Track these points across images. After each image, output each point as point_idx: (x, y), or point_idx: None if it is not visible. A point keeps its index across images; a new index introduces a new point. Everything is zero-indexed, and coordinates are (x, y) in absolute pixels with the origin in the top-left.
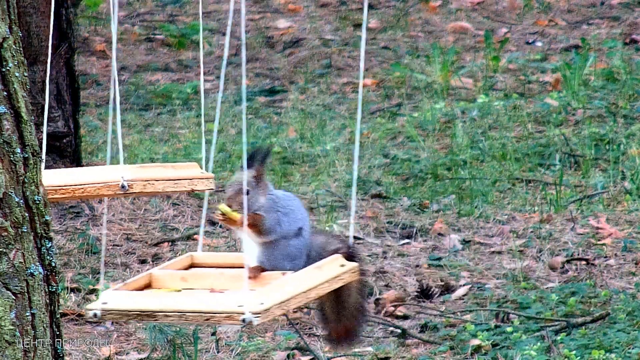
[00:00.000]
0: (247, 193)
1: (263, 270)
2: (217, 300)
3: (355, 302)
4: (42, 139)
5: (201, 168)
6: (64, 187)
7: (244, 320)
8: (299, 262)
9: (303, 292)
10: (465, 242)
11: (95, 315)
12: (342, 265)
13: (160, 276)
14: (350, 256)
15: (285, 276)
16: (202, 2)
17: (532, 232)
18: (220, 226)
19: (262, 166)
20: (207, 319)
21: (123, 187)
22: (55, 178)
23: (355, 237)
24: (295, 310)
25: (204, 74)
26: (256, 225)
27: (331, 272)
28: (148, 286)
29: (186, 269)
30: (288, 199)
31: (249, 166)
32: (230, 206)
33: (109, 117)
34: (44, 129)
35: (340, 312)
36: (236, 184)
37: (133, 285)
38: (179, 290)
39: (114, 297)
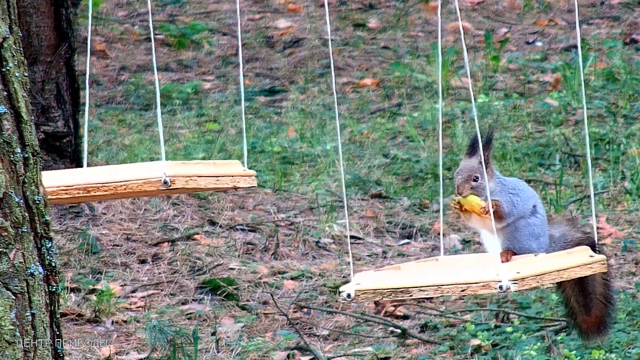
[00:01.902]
0: (477, 180)
1: (514, 253)
2: (473, 270)
3: (602, 291)
4: (42, 138)
5: (243, 165)
6: (106, 185)
7: (501, 287)
8: (543, 239)
9: (557, 270)
10: (465, 242)
11: (348, 295)
12: (592, 256)
13: (410, 266)
14: (593, 248)
15: (538, 256)
16: (202, 2)
17: None
18: (221, 226)
19: (488, 150)
20: (463, 290)
21: (165, 182)
22: (97, 176)
23: (354, 237)
24: (547, 285)
25: (204, 74)
26: (496, 212)
27: (582, 259)
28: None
29: None
30: (513, 181)
31: (473, 152)
32: (460, 194)
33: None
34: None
35: (588, 304)
36: (465, 171)
37: (384, 270)
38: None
39: (367, 277)
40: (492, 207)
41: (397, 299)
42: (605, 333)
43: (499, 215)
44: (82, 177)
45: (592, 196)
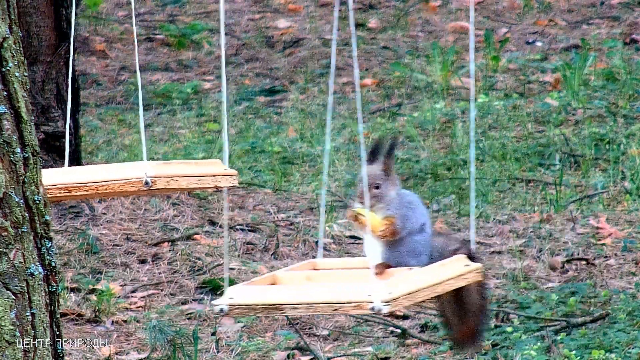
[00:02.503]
0: (378, 187)
1: (389, 266)
2: (345, 290)
3: (477, 303)
4: (42, 138)
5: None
6: (88, 184)
7: (372, 309)
8: (423, 258)
9: (430, 285)
10: (465, 242)
11: (221, 310)
12: (467, 265)
13: (285, 276)
14: (471, 257)
15: (412, 270)
16: (202, 2)
17: (532, 232)
18: (221, 226)
19: (390, 158)
20: (335, 309)
21: (147, 183)
22: (79, 175)
23: (354, 237)
24: (420, 304)
25: (204, 74)
26: (391, 230)
27: (456, 270)
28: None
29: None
30: (410, 195)
31: (375, 159)
32: (361, 203)
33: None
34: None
35: (462, 314)
36: (367, 178)
37: (258, 283)
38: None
39: (240, 292)
40: (388, 224)
41: (270, 315)
42: (478, 343)
43: (392, 232)
44: (64, 176)
45: (472, 200)
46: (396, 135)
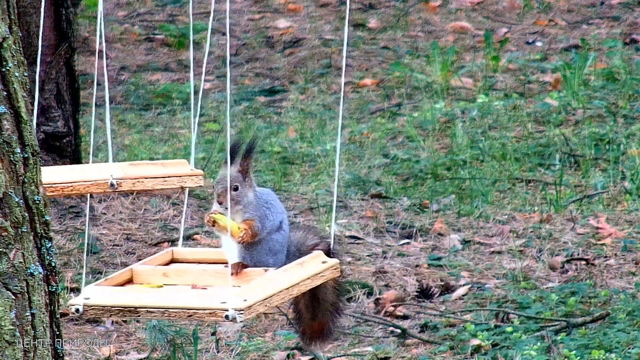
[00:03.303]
0: (237, 189)
1: (245, 266)
2: (200, 297)
3: (331, 300)
4: (42, 138)
5: (189, 164)
6: (53, 185)
7: (227, 317)
8: (280, 256)
9: (285, 289)
10: (465, 242)
11: (77, 310)
12: (324, 262)
13: (142, 271)
14: (328, 252)
15: (268, 273)
16: (202, 2)
17: (532, 232)
18: None
19: (248, 160)
20: (190, 315)
21: (112, 185)
22: (45, 176)
23: (354, 237)
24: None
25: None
26: (250, 232)
27: (313, 268)
28: (130, 281)
29: (167, 264)
30: (267, 193)
31: (232, 160)
32: (220, 203)
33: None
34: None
35: (315, 310)
36: (224, 180)
37: (115, 280)
38: (161, 286)
39: (97, 292)
40: (247, 228)
41: (125, 317)
42: (327, 340)
43: (252, 235)
44: None
45: (335, 191)
46: (255, 137)
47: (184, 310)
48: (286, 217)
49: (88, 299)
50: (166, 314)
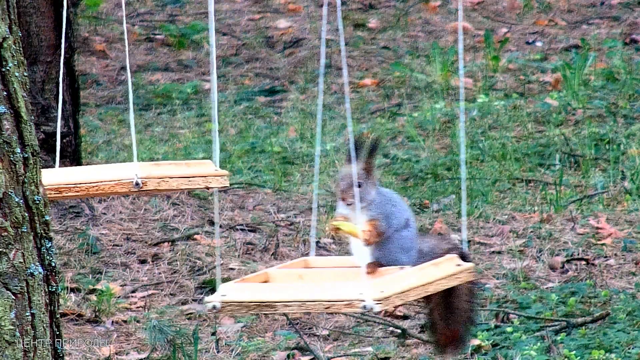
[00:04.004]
0: (360, 186)
1: (380, 265)
2: (337, 288)
3: (464, 308)
4: (42, 138)
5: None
6: (78, 185)
7: (364, 307)
8: (412, 253)
9: (422, 285)
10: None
11: (214, 307)
12: (459, 265)
13: (277, 274)
14: (463, 257)
15: (404, 270)
16: (202, 2)
17: (532, 232)
18: (221, 226)
19: (371, 158)
20: (327, 307)
21: (137, 184)
22: (70, 176)
23: None
24: (412, 303)
25: (204, 74)
26: (376, 234)
27: (448, 269)
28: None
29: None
30: (390, 192)
31: (356, 159)
32: (344, 199)
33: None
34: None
35: (449, 318)
36: (348, 177)
37: (250, 280)
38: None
39: (233, 289)
40: (370, 228)
41: (262, 312)
42: (460, 348)
43: (377, 234)
44: (54, 177)
45: (464, 200)
46: (378, 136)
47: (321, 302)
48: (412, 216)
49: (224, 295)
50: (303, 307)
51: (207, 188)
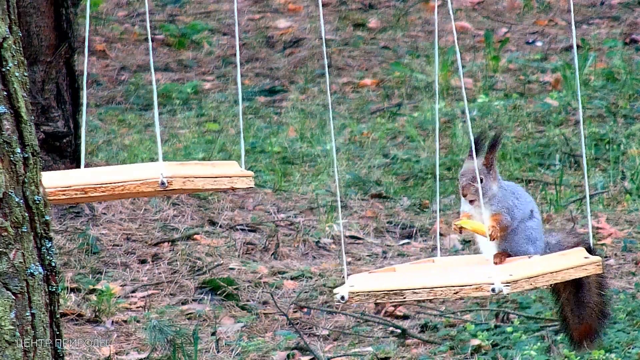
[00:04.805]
0: (481, 181)
1: (508, 255)
2: (465, 273)
3: (596, 301)
4: (42, 138)
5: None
6: (104, 185)
7: (493, 290)
8: (539, 243)
9: (550, 272)
10: (465, 242)
11: (342, 297)
12: (586, 257)
13: (405, 268)
14: (590, 251)
15: (532, 258)
16: (202, 2)
17: None
18: (221, 226)
19: (493, 152)
20: (456, 292)
21: (162, 183)
22: (95, 176)
23: (354, 237)
24: (542, 287)
25: (204, 74)
26: (499, 226)
27: (576, 260)
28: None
29: None
30: (512, 185)
31: (477, 153)
32: (465, 195)
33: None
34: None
35: (581, 313)
36: (469, 173)
37: (377, 272)
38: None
39: (360, 280)
40: (494, 223)
41: (390, 301)
42: (595, 342)
43: (502, 229)
44: (80, 178)
45: (587, 198)
46: (500, 129)
47: (450, 287)
48: (536, 205)
49: (352, 286)
50: (432, 293)
51: (233, 189)
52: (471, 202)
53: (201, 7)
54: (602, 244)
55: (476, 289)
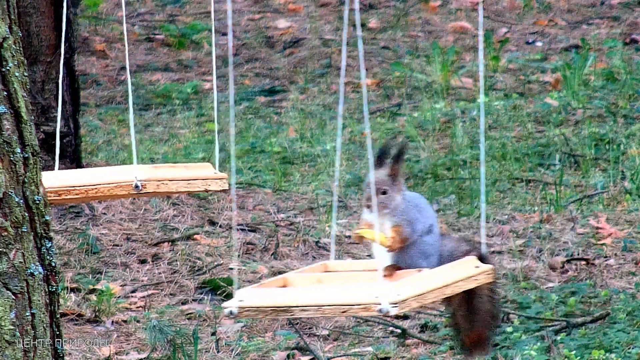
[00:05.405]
0: (385, 193)
1: (399, 268)
2: (353, 291)
3: (487, 309)
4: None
5: (214, 168)
6: (77, 188)
7: (380, 311)
8: (432, 259)
9: (439, 287)
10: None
11: (231, 312)
12: (477, 267)
13: (295, 278)
14: (481, 259)
15: (421, 272)
16: (202, 2)
17: (532, 232)
18: (221, 226)
19: (398, 163)
20: (344, 311)
21: (137, 187)
22: (69, 178)
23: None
24: (429, 306)
25: (204, 74)
26: (398, 237)
27: (466, 271)
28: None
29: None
30: (417, 197)
31: (382, 164)
32: (368, 207)
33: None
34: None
35: (472, 319)
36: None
37: (268, 285)
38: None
39: (250, 294)
40: (394, 234)
41: (279, 317)
42: (487, 349)
43: (401, 240)
44: (54, 180)
45: (483, 203)
46: (405, 140)
47: (338, 306)
48: (437, 221)
49: (242, 301)
50: (320, 311)
51: (207, 191)
52: (378, 211)
53: (201, 7)
54: (602, 244)
55: (364, 308)
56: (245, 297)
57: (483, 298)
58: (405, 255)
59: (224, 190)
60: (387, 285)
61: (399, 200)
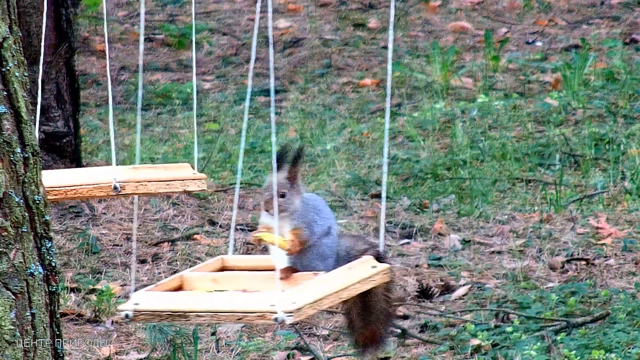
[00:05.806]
0: (284, 196)
1: (295, 270)
2: (249, 300)
3: (382, 307)
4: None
5: (193, 168)
6: (56, 189)
7: (276, 320)
8: (330, 261)
9: (335, 292)
10: (465, 242)
11: (127, 316)
12: (374, 267)
13: (192, 278)
14: (379, 258)
15: (317, 276)
16: (202, 1)
17: (532, 232)
18: (221, 226)
19: (295, 166)
20: (239, 319)
21: (115, 188)
22: (48, 179)
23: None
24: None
25: (204, 73)
26: (298, 240)
27: (363, 273)
28: (180, 288)
29: (217, 271)
30: (315, 199)
31: (280, 167)
32: (267, 210)
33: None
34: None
35: (366, 318)
36: (271, 187)
37: (164, 286)
38: (211, 292)
39: (146, 297)
40: (293, 237)
41: (175, 322)
42: (379, 348)
43: (300, 243)
44: None
45: (384, 198)
46: (303, 144)
47: (233, 313)
48: (335, 222)
49: (137, 304)
50: (215, 318)
51: (185, 192)
52: (273, 215)
53: (201, 7)
54: (602, 244)
55: (259, 317)
56: (141, 300)
57: (378, 296)
58: (303, 258)
59: (203, 190)
60: (283, 294)
61: (297, 203)
